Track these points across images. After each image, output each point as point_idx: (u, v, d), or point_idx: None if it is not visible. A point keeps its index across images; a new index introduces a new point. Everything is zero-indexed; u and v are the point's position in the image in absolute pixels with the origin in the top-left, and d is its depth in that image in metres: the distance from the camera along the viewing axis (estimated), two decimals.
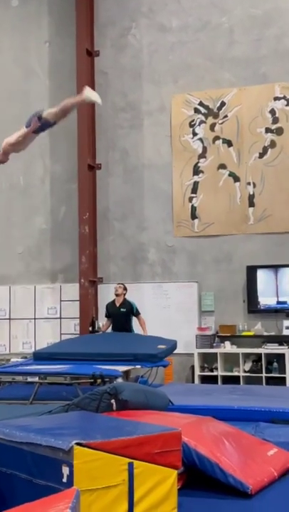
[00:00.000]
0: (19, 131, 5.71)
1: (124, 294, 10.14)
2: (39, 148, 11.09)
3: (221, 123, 10.92)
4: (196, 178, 10.98)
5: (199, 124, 11.03)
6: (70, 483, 3.13)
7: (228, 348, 10.37)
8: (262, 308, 10.52)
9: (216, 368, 10.29)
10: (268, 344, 10.15)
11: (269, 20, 10.82)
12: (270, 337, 10.28)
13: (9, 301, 11.84)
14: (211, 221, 10.85)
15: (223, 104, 10.91)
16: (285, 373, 9.84)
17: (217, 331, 10.63)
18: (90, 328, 10.85)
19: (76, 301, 11.16)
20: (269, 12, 10.82)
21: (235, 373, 10.17)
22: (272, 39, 10.79)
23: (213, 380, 10.15)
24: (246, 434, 4.82)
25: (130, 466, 3.35)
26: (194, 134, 11.04)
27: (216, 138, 10.92)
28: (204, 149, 10.97)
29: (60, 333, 11.42)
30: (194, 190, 10.97)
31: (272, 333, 10.32)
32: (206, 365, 10.48)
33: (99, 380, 6.88)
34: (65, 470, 3.18)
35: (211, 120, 10.97)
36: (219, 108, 10.93)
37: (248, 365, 10.20)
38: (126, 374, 8.07)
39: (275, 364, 10.00)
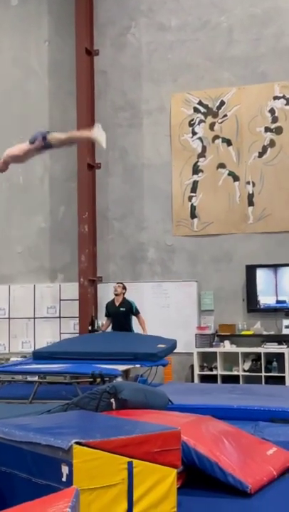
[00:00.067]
0: (22, 145, 5.70)
1: (124, 294, 10.13)
2: None
3: (221, 122, 10.91)
4: (195, 177, 10.98)
5: (199, 124, 11.02)
6: (69, 482, 3.14)
7: (227, 347, 10.37)
8: (261, 307, 10.52)
9: (216, 367, 10.29)
10: (268, 343, 10.16)
11: (268, 20, 10.81)
12: (269, 336, 10.29)
13: (9, 301, 11.84)
14: (210, 220, 10.85)
15: (222, 103, 10.90)
16: (284, 372, 9.84)
17: (216, 330, 10.63)
18: (90, 328, 10.85)
19: (75, 301, 11.15)
20: (268, 11, 10.82)
21: (235, 372, 10.17)
22: (271, 38, 10.79)
23: (212, 379, 10.14)
24: (245, 433, 4.82)
25: (130, 465, 3.36)
26: (194, 133, 11.04)
27: (216, 137, 10.91)
28: (204, 148, 10.96)
29: (60, 333, 11.42)
30: (194, 189, 10.97)
31: (272, 333, 10.32)
32: (205, 365, 10.48)
33: (98, 379, 6.88)
34: (65, 469, 3.19)
35: (210, 119, 10.96)
36: (219, 107, 10.92)
37: (247, 365, 10.21)
38: (125, 373, 8.07)
39: (275, 363, 10.01)
